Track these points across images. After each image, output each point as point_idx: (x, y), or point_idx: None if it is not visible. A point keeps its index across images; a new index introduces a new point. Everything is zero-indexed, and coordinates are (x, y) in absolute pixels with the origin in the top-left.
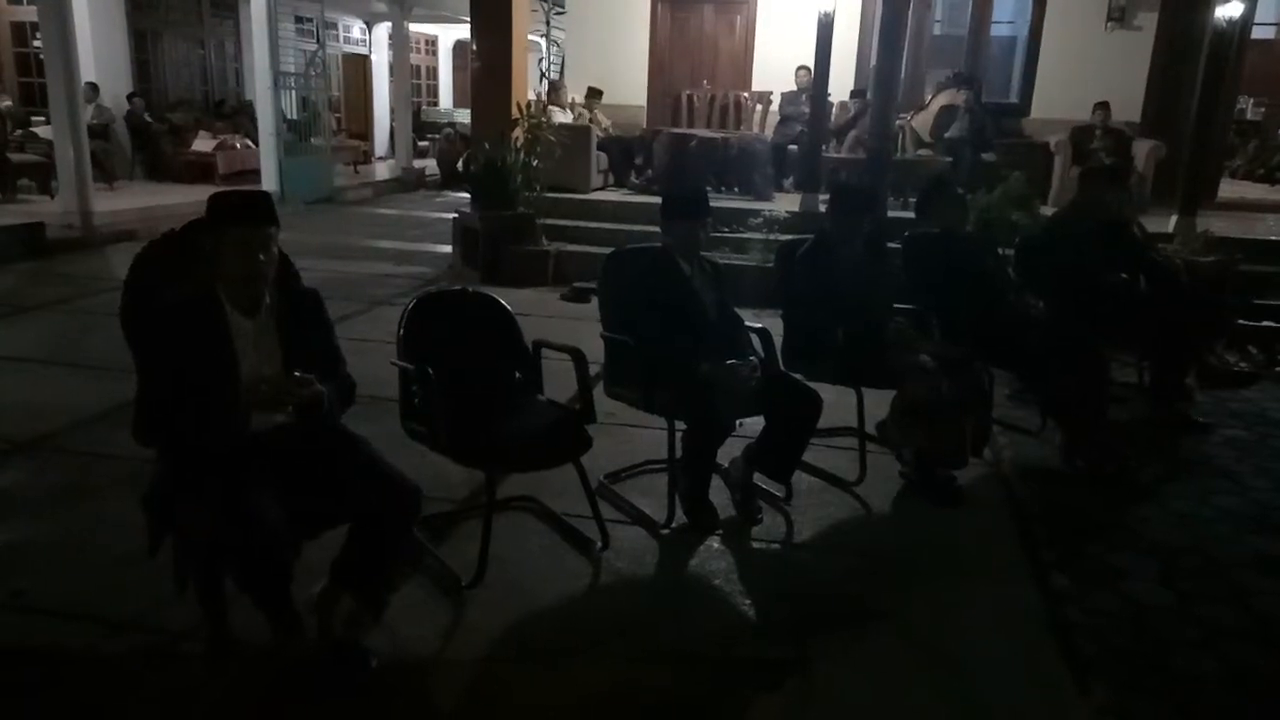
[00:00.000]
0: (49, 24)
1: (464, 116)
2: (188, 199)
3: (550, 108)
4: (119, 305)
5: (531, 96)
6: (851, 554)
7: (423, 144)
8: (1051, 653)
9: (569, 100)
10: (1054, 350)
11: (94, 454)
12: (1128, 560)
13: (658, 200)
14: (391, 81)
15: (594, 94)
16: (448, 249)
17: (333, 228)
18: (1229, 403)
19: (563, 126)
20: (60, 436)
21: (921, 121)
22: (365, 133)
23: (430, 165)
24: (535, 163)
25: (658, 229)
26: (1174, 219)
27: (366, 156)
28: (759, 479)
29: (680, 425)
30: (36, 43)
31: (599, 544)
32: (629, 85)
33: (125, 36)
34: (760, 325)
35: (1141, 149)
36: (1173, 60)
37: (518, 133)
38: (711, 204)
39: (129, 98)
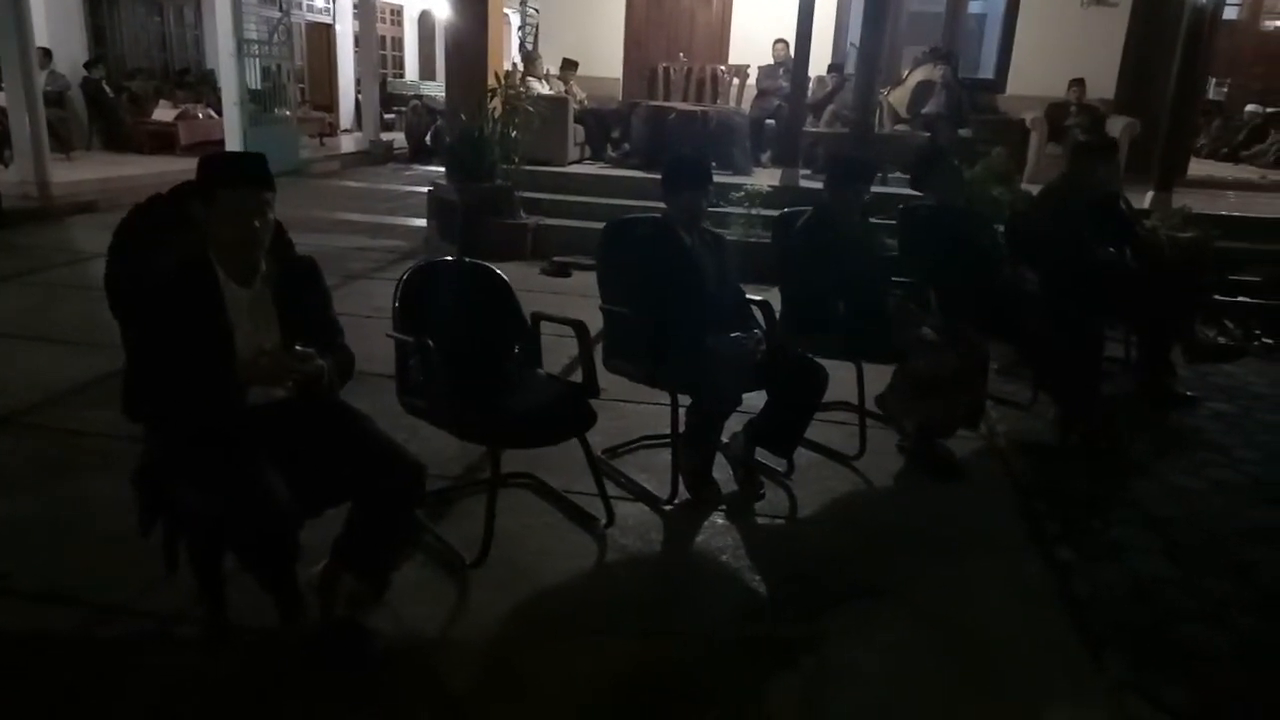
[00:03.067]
0: None
1: (431, 89)
2: (149, 170)
3: (527, 79)
4: (103, 273)
5: (507, 67)
6: (856, 529)
7: (389, 116)
8: (1063, 627)
9: (544, 71)
10: (1050, 324)
11: (71, 430)
12: (1129, 534)
13: (636, 174)
14: (357, 52)
15: (569, 65)
16: (422, 222)
17: (301, 201)
18: (1210, 377)
19: (540, 98)
20: (34, 412)
21: (898, 97)
22: (330, 104)
23: (398, 138)
24: (514, 134)
25: (636, 202)
26: (1150, 195)
27: (332, 128)
28: (760, 454)
29: (683, 399)
30: None
31: (603, 521)
32: (604, 57)
33: (79, 0)
34: (761, 298)
35: (1116, 126)
36: (1147, 38)
37: (495, 103)
38: None
39: (87, 64)
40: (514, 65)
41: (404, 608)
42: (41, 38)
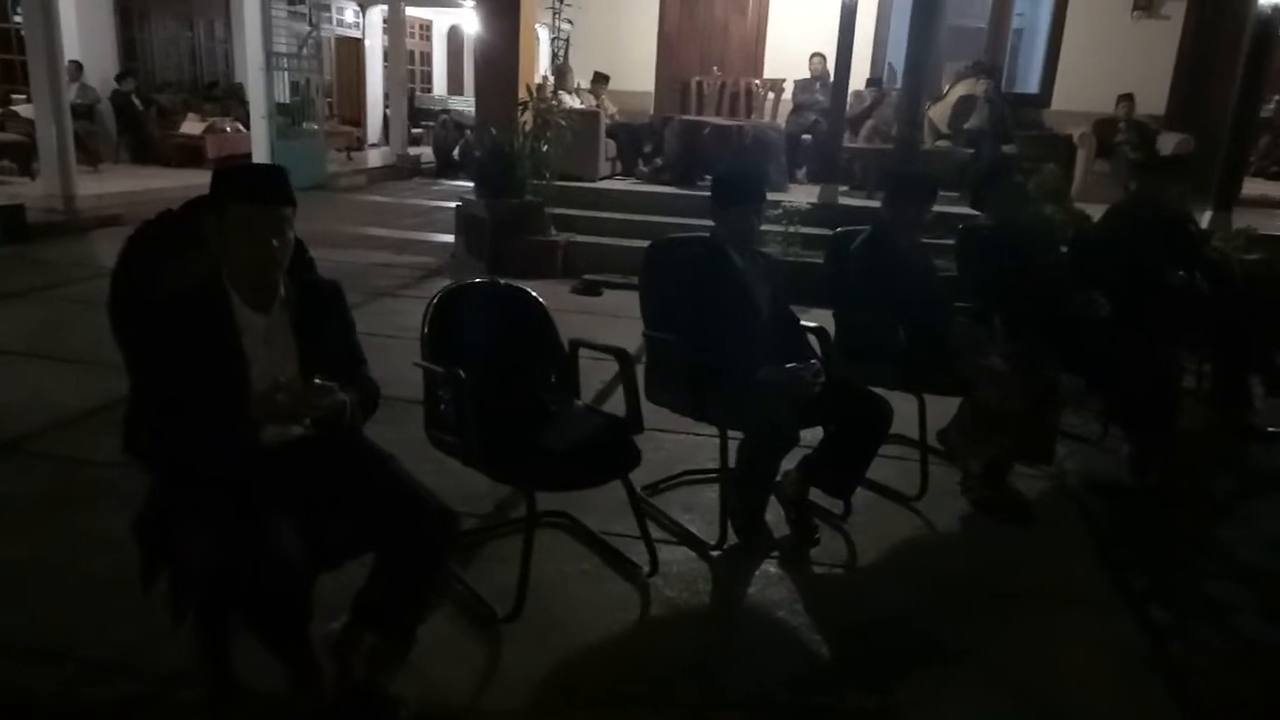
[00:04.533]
0: None
1: (458, 104)
2: (175, 183)
3: (558, 92)
4: (107, 296)
5: (538, 81)
6: (922, 580)
7: (416, 131)
8: (1162, 696)
9: (575, 85)
10: (1123, 352)
11: (76, 459)
12: (1225, 590)
13: (669, 190)
14: (385, 66)
15: (600, 79)
16: (449, 238)
17: (327, 215)
18: None
19: (572, 111)
20: (40, 438)
21: (939, 112)
22: (358, 118)
23: (425, 153)
24: (545, 148)
25: (670, 219)
26: (1208, 215)
27: (359, 143)
28: (814, 494)
29: (734, 434)
30: (18, 18)
31: (646, 569)
32: (636, 71)
33: (111, 14)
34: (816, 325)
35: (1168, 142)
36: (1201, 52)
37: (525, 117)
38: None
39: (117, 77)
40: (545, 78)
41: (430, 669)
42: (73, 50)
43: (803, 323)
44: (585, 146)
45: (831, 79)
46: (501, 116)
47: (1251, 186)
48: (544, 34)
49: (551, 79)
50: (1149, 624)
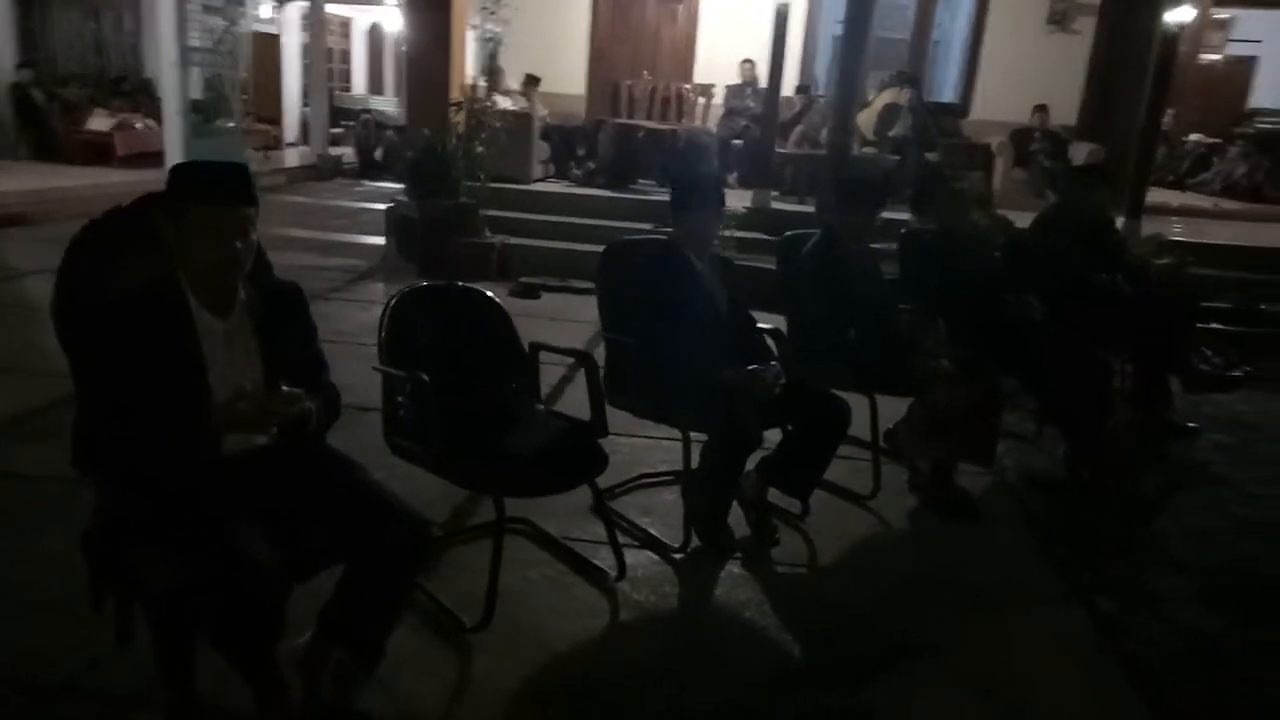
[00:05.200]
0: None
1: (379, 103)
2: (84, 181)
3: (491, 93)
4: (51, 299)
5: (468, 81)
6: (881, 578)
7: (336, 131)
8: (1119, 685)
9: (506, 87)
10: (1057, 354)
11: (2, 473)
12: (1163, 580)
13: (603, 193)
14: (304, 64)
15: (531, 81)
16: (378, 240)
17: None
18: (1200, 407)
19: (506, 112)
20: None
21: (865, 119)
22: (275, 117)
23: (347, 153)
24: (480, 149)
25: (604, 222)
26: (1120, 221)
27: (277, 142)
28: (772, 495)
29: (695, 437)
30: None
31: (613, 573)
32: (568, 74)
33: (7, 2)
34: (772, 327)
35: (1079, 152)
36: (1110, 65)
37: (458, 118)
38: (661, 199)
39: (17, 68)
40: (476, 79)
41: (399, 683)
42: None
43: (760, 325)
44: (519, 148)
45: (762, 84)
46: (433, 116)
47: (1154, 195)
48: (470, 35)
49: (483, 80)
50: (1097, 616)
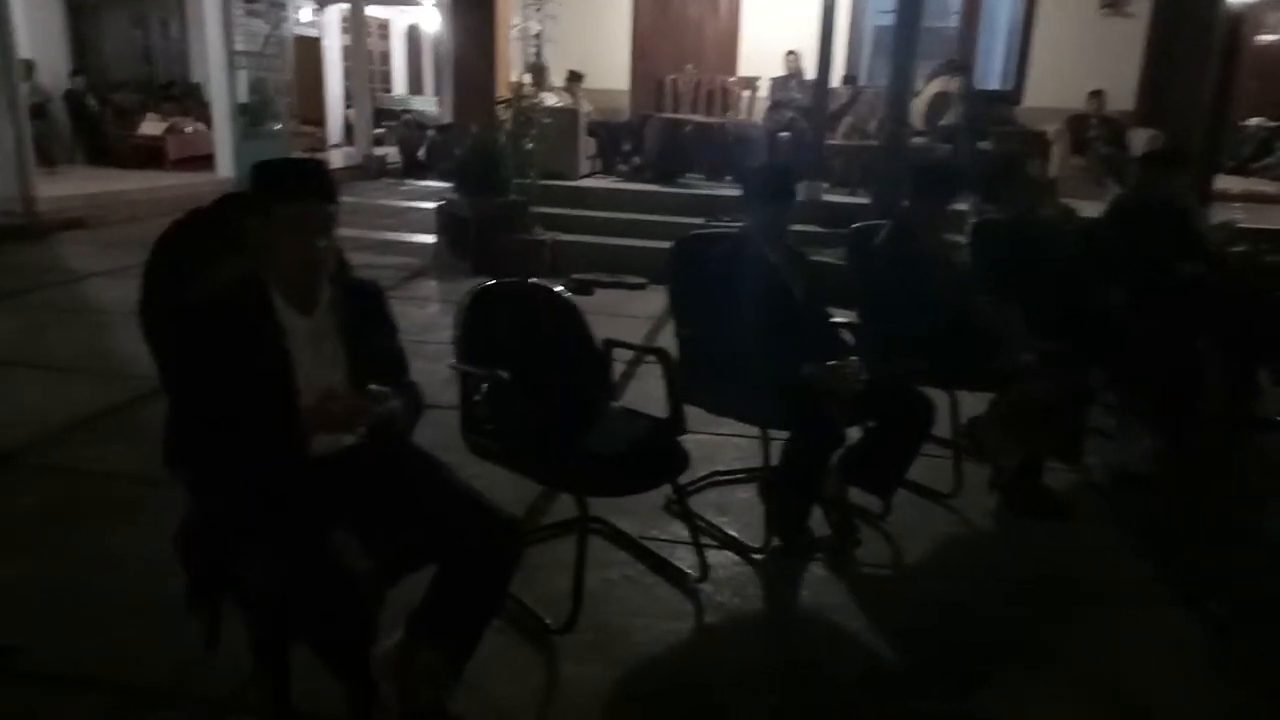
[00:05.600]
0: None
1: (419, 103)
2: (138, 185)
3: (536, 90)
4: (137, 299)
5: (513, 79)
6: (970, 578)
7: (377, 131)
8: (1241, 692)
9: (550, 84)
10: (1144, 345)
11: (77, 471)
12: (1273, 581)
13: (651, 188)
14: (345, 66)
15: (575, 78)
16: (428, 238)
17: None
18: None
19: (553, 109)
20: (35, 452)
21: (915, 109)
22: (318, 119)
23: (391, 153)
24: (529, 146)
25: (652, 217)
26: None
27: (321, 144)
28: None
29: (773, 433)
30: None
31: (695, 574)
32: (610, 69)
33: (61, 11)
34: (849, 320)
35: (1138, 138)
36: (1168, 48)
37: (505, 115)
38: (710, 193)
39: (71, 76)
40: (520, 77)
41: (488, 686)
42: (22, 49)
43: (836, 318)
44: (566, 145)
45: (806, 76)
46: (480, 115)
47: (1217, 182)
48: (513, 33)
49: (529, 77)
50: (1209, 618)
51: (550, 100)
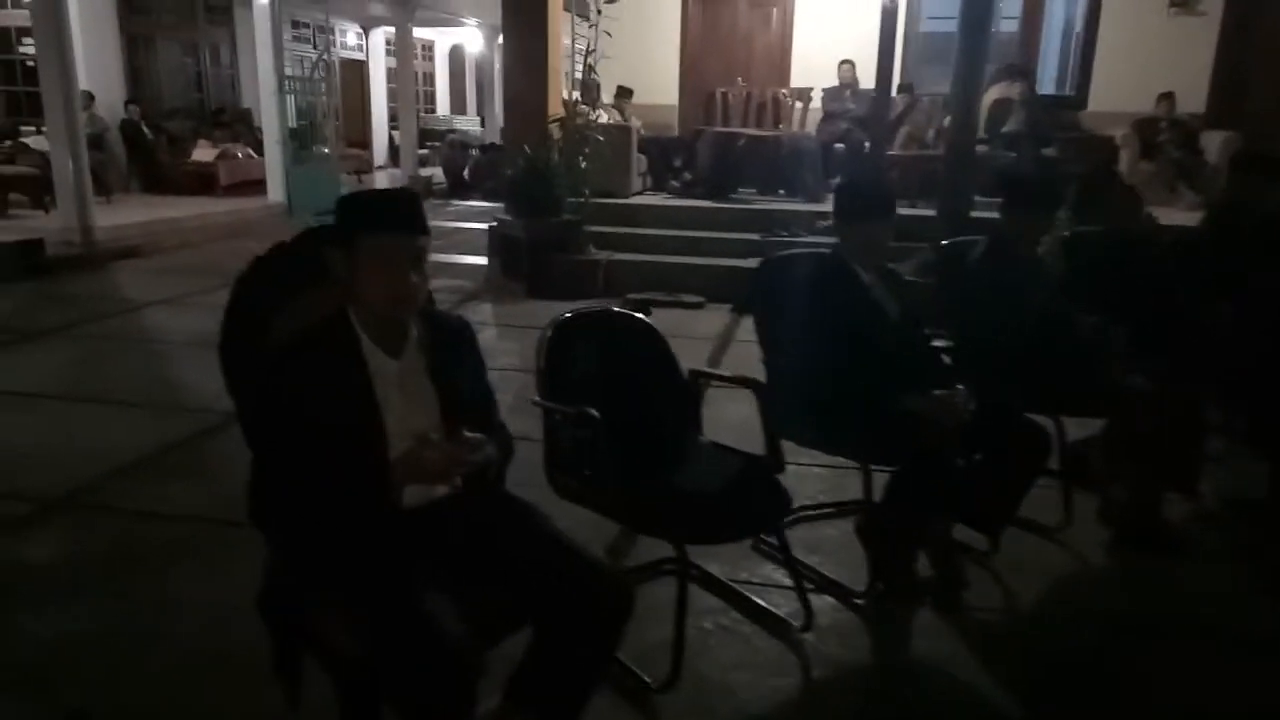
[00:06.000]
0: (43, 27)
1: (463, 123)
2: (191, 211)
3: (585, 107)
4: (218, 340)
5: (563, 97)
6: (1091, 622)
7: (421, 151)
8: None
9: (599, 101)
10: (1259, 365)
11: (142, 513)
12: None
13: (704, 204)
14: (390, 88)
15: (624, 93)
16: (479, 259)
17: None
18: None
19: (607, 126)
20: (97, 490)
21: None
22: (364, 141)
23: (436, 173)
24: (584, 164)
25: (707, 234)
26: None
27: (368, 165)
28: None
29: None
30: (23, 49)
31: (798, 623)
32: (660, 84)
33: (117, 41)
34: (949, 344)
35: (1212, 141)
36: (1243, 47)
37: (558, 133)
38: (764, 208)
39: (126, 105)
40: (570, 94)
41: None
42: (81, 79)
43: (936, 343)
44: (618, 162)
45: (860, 86)
46: (532, 134)
47: None
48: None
49: (578, 94)
50: None
51: (600, 116)
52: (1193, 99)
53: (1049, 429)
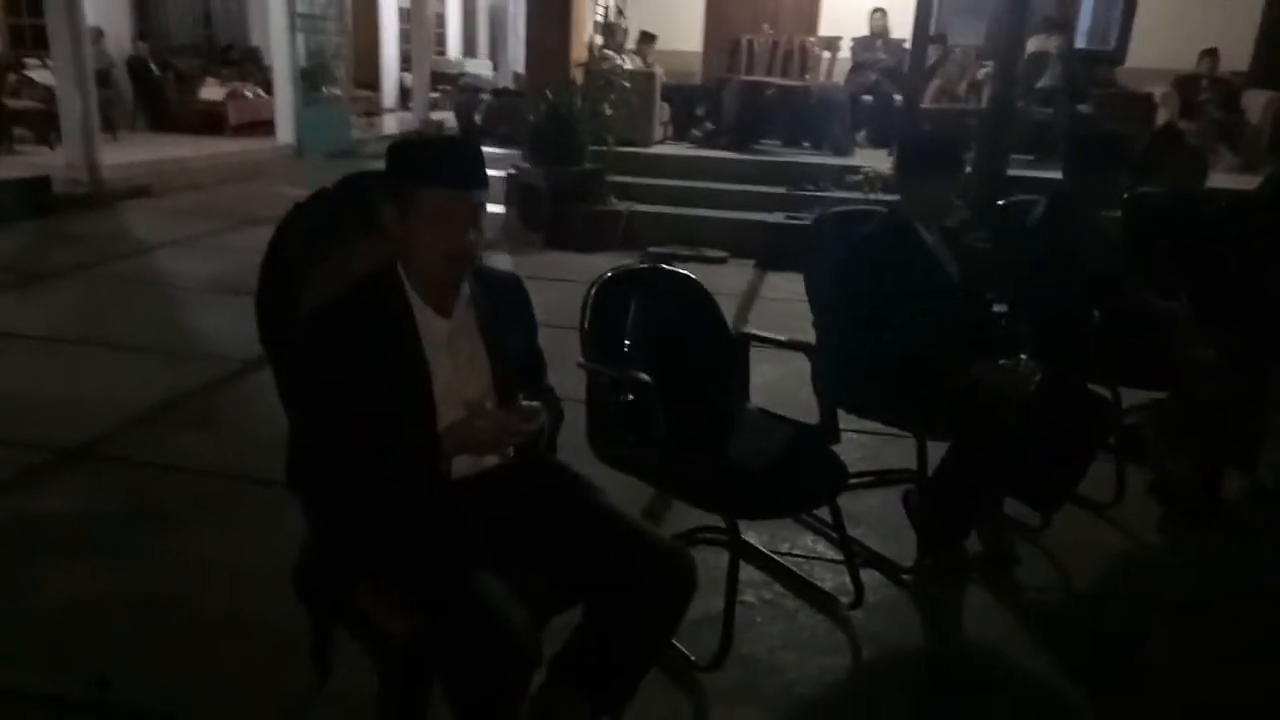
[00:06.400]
0: None
1: (474, 66)
2: (201, 151)
3: (609, 53)
4: (255, 294)
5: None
6: (1152, 604)
7: (432, 96)
8: None
9: (624, 44)
10: None
11: (159, 465)
12: None
13: (729, 155)
14: (402, 29)
15: (647, 39)
16: (495, 208)
17: None
18: None
19: (633, 72)
20: (113, 441)
21: None
22: (373, 82)
23: (448, 118)
24: (609, 111)
25: (730, 185)
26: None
27: (377, 108)
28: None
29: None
30: None
31: (846, 600)
32: (683, 30)
33: None
34: (1008, 309)
35: (1255, 101)
36: None
37: (580, 79)
38: (791, 160)
39: (134, 41)
40: (592, 38)
41: None
42: (90, 16)
43: (996, 309)
44: (641, 110)
45: (893, 35)
46: (555, 79)
47: None
48: None
49: (600, 39)
50: None
51: (623, 62)
52: (1237, 57)
53: (1111, 404)
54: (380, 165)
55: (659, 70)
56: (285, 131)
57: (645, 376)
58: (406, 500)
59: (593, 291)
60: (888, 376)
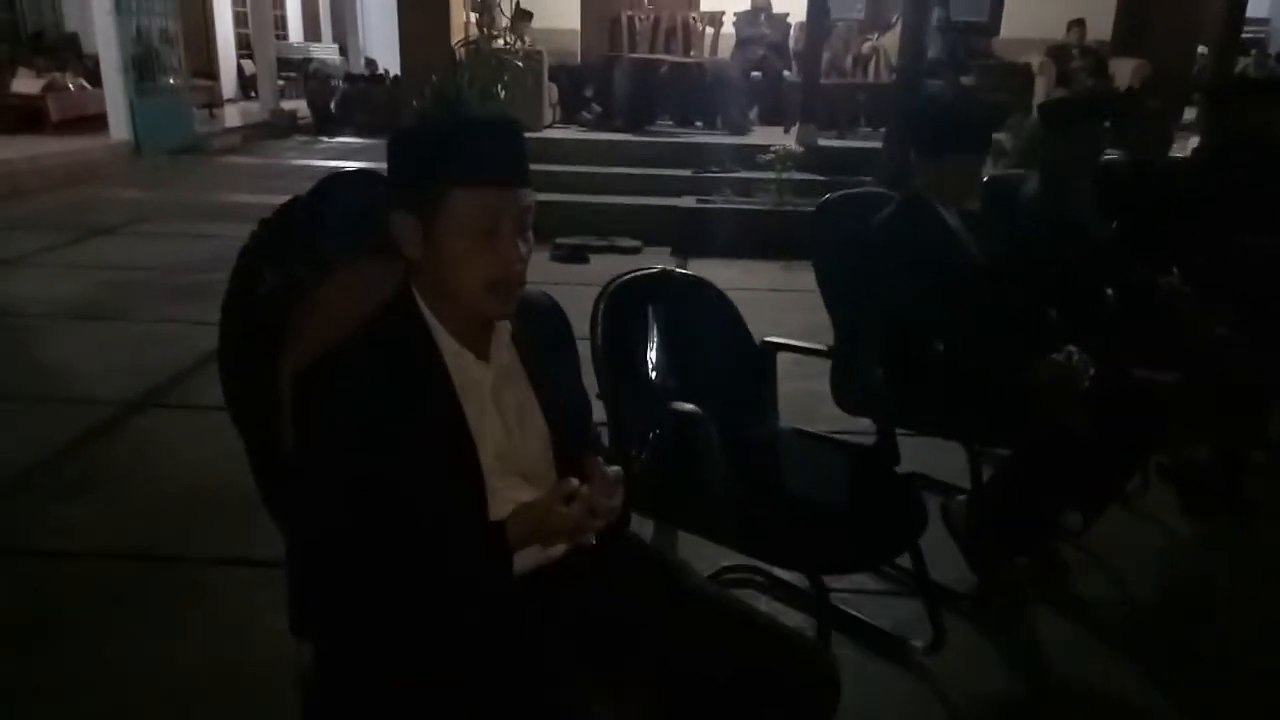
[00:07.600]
0: None
1: (320, 51)
2: (20, 153)
3: (492, 32)
4: (216, 348)
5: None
6: (1222, 608)
7: (278, 83)
8: None
9: (499, 24)
10: None
11: (36, 552)
12: None
13: (623, 137)
14: (236, 11)
15: (523, 16)
16: None
17: (207, 183)
18: None
19: (527, 52)
20: None
21: (890, 43)
22: (210, 71)
23: (299, 107)
24: (503, 93)
25: (629, 170)
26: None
27: (218, 98)
28: None
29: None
30: None
31: (920, 644)
32: (559, 7)
33: None
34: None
35: (1123, 68)
36: None
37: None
38: (689, 140)
39: None
40: (469, 16)
41: None
42: None
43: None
44: (530, 93)
45: (775, 10)
46: (437, 61)
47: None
48: None
49: (475, 17)
50: None
51: (511, 43)
52: (1102, 26)
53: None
54: (230, 160)
55: (544, 50)
56: (119, 127)
57: (693, 408)
58: (469, 606)
59: (601, 303)
60: (928, 381)
